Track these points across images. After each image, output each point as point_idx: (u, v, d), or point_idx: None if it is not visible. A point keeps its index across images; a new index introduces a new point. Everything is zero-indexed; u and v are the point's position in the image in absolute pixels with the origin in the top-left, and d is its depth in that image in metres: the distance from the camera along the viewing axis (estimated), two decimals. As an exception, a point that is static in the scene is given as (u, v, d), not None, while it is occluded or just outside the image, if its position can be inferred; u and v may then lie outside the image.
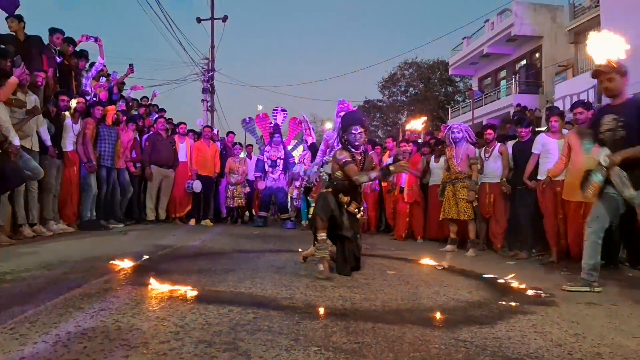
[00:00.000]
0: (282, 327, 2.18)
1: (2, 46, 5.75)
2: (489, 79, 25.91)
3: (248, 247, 5.55)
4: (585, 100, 6.18)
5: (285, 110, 10.38)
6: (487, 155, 6.26)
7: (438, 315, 2.57)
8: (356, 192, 4.13)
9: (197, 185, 8.87)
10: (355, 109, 6.06)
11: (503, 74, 24.36)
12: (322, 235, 3.83)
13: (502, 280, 3.87)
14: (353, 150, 4.13)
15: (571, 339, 2.25)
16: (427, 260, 4.78)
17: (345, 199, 4.03)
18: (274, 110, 10.39)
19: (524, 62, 22.78)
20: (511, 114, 17.60)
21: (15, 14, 6.20)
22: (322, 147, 6.43)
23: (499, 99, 22.48)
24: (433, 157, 7.60)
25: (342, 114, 5.86)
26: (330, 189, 4.03)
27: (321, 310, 2.53)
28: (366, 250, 5.74)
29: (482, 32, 23.84)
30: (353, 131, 4.08)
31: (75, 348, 1.78)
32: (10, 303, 2.42)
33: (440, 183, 6.55)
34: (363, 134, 4.12)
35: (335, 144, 5.92)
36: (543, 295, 3.38)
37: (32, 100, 5.54)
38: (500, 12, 22.10)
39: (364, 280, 3.59)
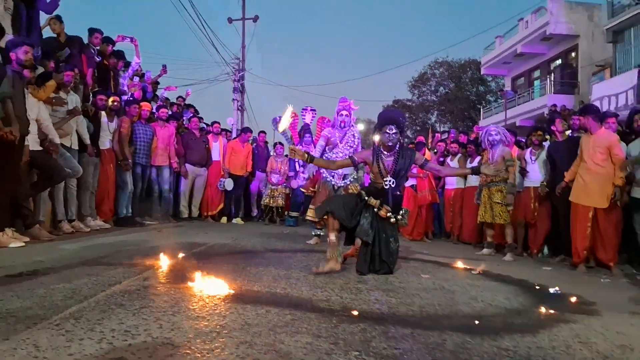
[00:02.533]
0: (321, 329, 2.18)
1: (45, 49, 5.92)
2: (522, 79, 25.43)
3: (280, 247, 5.57)
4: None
5: (314, 110, 10.36)
6: (533, 157, 6.14)
7: (477, 322, 2.53)
8: (394, 198, 4.04)
9: (229, 183, 8.99)
10: (357, 108, 5.91)
11: (537, 73, 23.88)
12: (331, 237, 3.85)
13: (539, 287, 3.79)
14: (385, 152, 4.07)
15: (618, 351, 2.18)
16: (461, 264, 4.72)
17: (375, 202, 3.96)
18: (303, 109, 10.38)
19: (559, 61, 22.28)
20: (545, 115, 17.24)
21: (55, 15, 6.38)
22: (321, 142, 5.96)
23: (532, 99, 22.03)
24: (453, 159, 7.64)
25: (343, 112, 5.77)
26: (356, 191, 4.00)
27: (358, 314, 2.51)
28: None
29: (516, 31, 23.41)
30: (388, 131, 4.00)
31: (120, 345, 1.81)
32: (53, 298, 2.48)
33: (477, 185, 6.45)
34: (398, 135, 4.05)
35: (338, 142, 5.78)
36: (584, 303, 3.29)
37: (73, 100, 5.69)
38: (535, 10, 21.65)
39: (399, 283, 3.56)
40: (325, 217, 3.96)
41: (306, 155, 4.11)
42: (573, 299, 3.35)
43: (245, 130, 10.25)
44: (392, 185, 4.01)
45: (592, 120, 5.02)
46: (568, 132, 6.08)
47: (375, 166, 4.07)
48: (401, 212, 4.02)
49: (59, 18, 6.40)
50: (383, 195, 4.00)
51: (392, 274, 3.90)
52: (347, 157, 4.05)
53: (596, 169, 4.92)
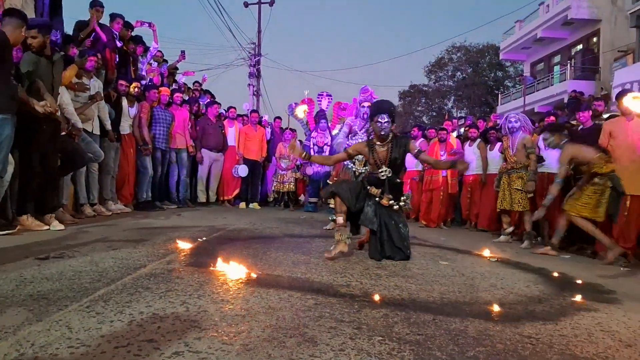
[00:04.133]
0: (344, 314, 2.21)
1: (69, 34, 5.97)
2: (542, 64, 25.00)
3: (297, 232, 5.62)
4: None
5: (330, 95, 10.32)
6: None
7: (498, 309, 2.54)
8: (393, 185, 4.05)
9: (243, 170, 9.04)
10: (378, 97, 5.92)
11: (557, 59, 23.47)
12: (339, 219, 3.90)
13: (558, 274, 3.79)
14: (378, 142, 4.06)
15: (641, 340, 2.18)
16: (479, 251, 4.71)
17: (376, 191, 3.99)
18: (318, 95, 10.35)
19: (580, 46, 21.86)
20: (565, 101, 16.96)
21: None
22: (345, 129, 6.09)
23: (552, 85, 21.68)
24: (472, 144, 7.58)
25: (365, 103, 5.79)
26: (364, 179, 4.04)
27: (379, 299, 2.54)
28: (413, 238, 5.74)
29: (536, 16, 22.99)
30: (380, 120, 4.00)
31: (150, 328, 1.85)
32: (82, 281, 2.55)
33: (497, 172, 6.39)
34: (390, 124, 4.04)
35: (358, 130, 5.85)
36: (605, 291, 3.29)
37: (96, 85, 5.75)
38: (556, -6, 21.22)
39: (418, 270, 3.57)
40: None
41: (304, 153, 4.20)
42: (593, 288, 3.34)
43: (251, 112, 10.26)
44: (389, 175, 4.02)
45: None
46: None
47: (370, 157, 4.10)
48: (403, 197, 4.06)
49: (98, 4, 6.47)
50: (382, 184, 4.03)
51: (409, 260, 3.93)
52: (341, 153, 4.10)
53: None
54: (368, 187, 4.04)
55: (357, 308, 2.34)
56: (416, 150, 4.12)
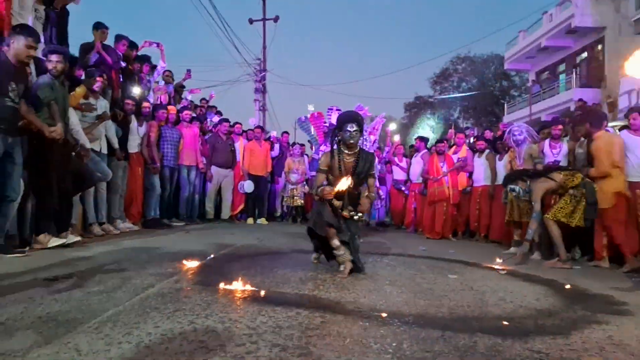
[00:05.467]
0: (352, 332, 2.20)
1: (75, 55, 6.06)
2: (547, 73, 24.98)
3: (305, 247, 5.58)
4: None
5: (339, 110, 10.35)
6: (555, 151, 6.02)
7: (507, 323, 2.52)
8: (351, 196, 4.01)
9: (249, 186, 9.08)
10: (371, 114, 5.92)
11: (562, 67, 23.43)
12: (335, 242, 3.83)
13: (569, 286, 3.75)
14: (346, 151, 4.02)
15: (653, 353, 2.15)
16: (488, 264, 4.69)
17: (338, 203, 3.95)
18: (328, 109, 10.35)
19: (585, 54, 21.82)
20: (572, 109, 16.93)
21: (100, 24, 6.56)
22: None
23: (558, 93, 21.63)
24: (480, 155, 7.59)
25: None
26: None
27: (388, 316, 2.53)
28: (422, 252, 5.72)
29: (540, 25, 23.02)
30: (348, 128, 3.94)
31: (158, 350, 1.86)
32: (90, 302, 2.56)
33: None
34: (358, 133, 4.00)
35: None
36: (615, 303, 3.25)
37: (102, 105, 5.83)
38: (560, 3, 21.26)
39: (427, 284, 3.55)
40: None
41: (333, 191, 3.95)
42: (603, 299, 3.30)
43: (256, 127, 10.31)
44: (350, 186, 3.94)
45: None
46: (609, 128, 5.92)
47: (335, 166, 4.02)
48: (358, 209, 3.99)
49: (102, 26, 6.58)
50: (342, 197, 3.96)
51: (361, 272, 3.90)
52: (323, 171, 4.03)
53: None
54: (332, 200, 3.95)
55: (366, 325, 2.33)
56: (374, 170, 4.14)
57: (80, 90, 5.32)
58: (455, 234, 8.07)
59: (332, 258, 4.05)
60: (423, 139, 9.61)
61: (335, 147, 4.08)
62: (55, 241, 4.44)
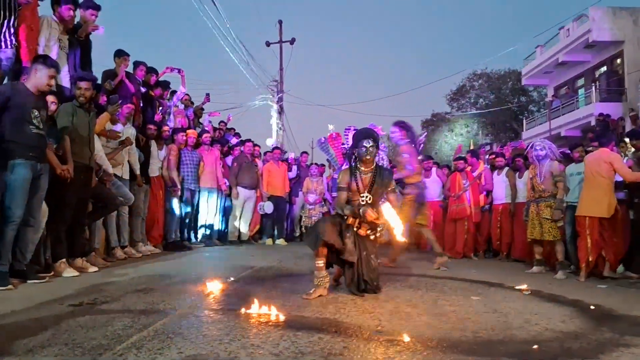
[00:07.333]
0: (374, 358, 2.18)
1: (99, 82, 6.22)
2: (565, 87, 24.75)
3: (325, 269, 5.59)
4: None
5: (356, 129, 10.36)
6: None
7: (533, 347, 2.47)
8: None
9: (269, 207, 9.12)
10: (384, 133, 5.91)
11: (581, 82, 23.18)
12: (318, 262, 3.78)
13: (595, 307, 3.66)
14: (363, 167, 4.02)
15: (686, 378, 2.09)
16: (511, 284, 4.61)
17: (353, 221, 3.90)
18: (345, 129, 10.38)
19: (604, 68, 21.58)
20: (592, 124, 16.74)
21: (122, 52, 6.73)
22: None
23: (577, 108, 21.39)
24: (500, 173, 7.57)
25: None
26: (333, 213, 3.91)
27: (411, 340, 2.50)
28: (443, 271, 5.64)
29: (557, 40, 22.88)
30: (365, 144, 3.95)
31: (182, 376, 1.87)
32: (115, 327, 2.59)
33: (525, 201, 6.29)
34: (375, 148, 4.01)
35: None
36: (645, 325, 3.17)
37: (130, 132, 5.96)
38: (576, 18, 21.13)
39: (450, 307, 3.51)
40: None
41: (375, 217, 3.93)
42: (632, 321, 3.22)
43: (274, 149, 10.38)
44: (368, 202, 3.95)
45: None
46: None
47: (353, 183, 4.03)
48: (378, 227, 3.90)
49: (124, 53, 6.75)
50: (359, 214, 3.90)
51: (376, 293, 3.87)
52: (343, 189, 4.02)
53: None
54: (346, 217, 3.94)
55: (389, 350, 2.31)
56: (392, 187, 4.11)
57: (104, 116, 5.44)
58: (476, 253, 7.96)
59: (330, 266, 4.01)
60: (429, 158, 9.44)
61: (353, 163, 4.11)
62: (70, 272, 4.45)
